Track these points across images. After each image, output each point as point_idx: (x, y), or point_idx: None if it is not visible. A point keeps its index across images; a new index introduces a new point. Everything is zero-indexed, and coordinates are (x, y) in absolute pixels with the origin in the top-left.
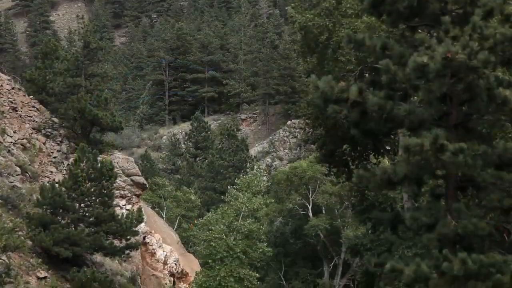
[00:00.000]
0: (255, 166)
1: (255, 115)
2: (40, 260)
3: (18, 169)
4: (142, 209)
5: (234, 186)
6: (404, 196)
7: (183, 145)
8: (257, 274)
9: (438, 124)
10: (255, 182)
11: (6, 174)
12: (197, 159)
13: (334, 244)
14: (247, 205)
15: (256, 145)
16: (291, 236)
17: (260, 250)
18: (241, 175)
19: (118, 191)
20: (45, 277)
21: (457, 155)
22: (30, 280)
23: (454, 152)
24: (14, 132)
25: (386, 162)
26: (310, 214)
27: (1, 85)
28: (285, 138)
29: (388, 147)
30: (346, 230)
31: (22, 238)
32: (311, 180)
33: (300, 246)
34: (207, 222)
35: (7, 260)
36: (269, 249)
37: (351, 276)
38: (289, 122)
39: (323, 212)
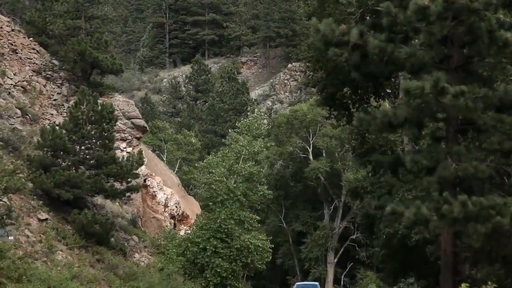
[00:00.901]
0: (256, 109)
1: (256, 58)
2: (41, 202)
3: (18, 111)
4: (143, 152)
5: (234, 129)
6: (404, 139)
7: (183, 88)
8: (257, 217)
9: (439, 67)
10: (256, 125)
11: (7, 116)
12: (198, 102)
13: (335, 187)
14: (248, 148)
15: (257, 88)
16: (292, 179)
17: (261, 192)
18: (241, 118)
19: (118, 134)
20: (46, 219)
21: (457, 98)
22: (31, 222)
23: (454, 95)
24: (14, 74)
25: (386, 105)
26: (311, 157)
27: (1, 27)
28: (286, 81)
29: (388, 90)
30: (347, 173)
31: (23, 180)
32: (312, 123)
33: (301, 189)
34: (207, 165)
35: (8, 202)
36: (269, 191)
37: (351, 219)
38: (289, 65)
39: (324, 155)
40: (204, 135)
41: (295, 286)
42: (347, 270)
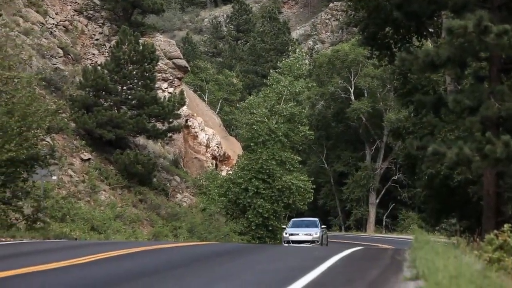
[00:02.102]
0: (297, 49)
1: None
2: (83, 142)
3: (60, 51)
4: (184, 92)
5: (276, 70)
6: (447, 79)
7: (224, 28)
8: (299, 157)
9: (482, 5)
10: (297, 65)
11: (49, 56)
12: (239, 42)
13: (376, 127)
14: (289, 88)
15: (298, 28)
16: (333, 119)
17: (302, 133)
18: (283, 58)
19: (160, 74)
20: (88, 159)
21: (501, 37)
22: (74, 162)
23: (497, 34)
24: (56, 14)
25: (429, 44)
26: (352, 97)
27: None
28: (327, 20)
29: (431, 29)
30: (388, 113)
31: (66, 120)
32: (353, 63)
33: (342, 130)
34: (249, 106)
35: (51, 142)
36: (310, 132)
37: (393, 159)
38: (331, 4)
39: (365, 95)
40: (245, 75)
41: (291, 222)
42: (388, 210)
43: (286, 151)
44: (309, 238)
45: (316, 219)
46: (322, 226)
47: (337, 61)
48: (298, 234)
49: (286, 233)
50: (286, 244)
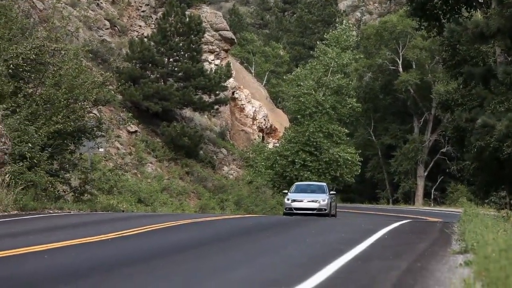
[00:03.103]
0: (344, 21)
1: None
2: (130, 114)
3: (107, 23)
4: (231, 64)
5: (323, 41)
6: (496, 50)
7: None
8: (346, 130)
9: None
10: (344, 36)
11: (96, 28)
12: (286, 13)
13: (425, 100)
14: (336, 60)
15: None
16: (381, 91)
17: (349, 105)
18: (330, 30)
19: (206, 46)
20: (135, 131)
21: None
22: (121, 134)
23: None
24: None
25: (478, 15)
26: (400, 69)
27: None
28: None
29: (480, 0)
30: (437, 85)
31: (112, 92)
32: (402, 34)
33: (390, 102)
34: (296, 78)
35: (98, 114)
36: (358, 104)
37: (441, 132)
38: None
39: (414, 67)
40: (292, 47)
41: (293, 186)
42: (437, 183)
43: (333, 123)
44: (315, 205)
45: (324, 183)
46: (331, 192)
47: (385, 32)
48: (302, 201)
49: (288, 200)
50: (288, 213)
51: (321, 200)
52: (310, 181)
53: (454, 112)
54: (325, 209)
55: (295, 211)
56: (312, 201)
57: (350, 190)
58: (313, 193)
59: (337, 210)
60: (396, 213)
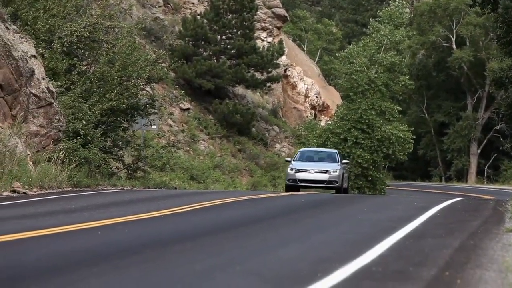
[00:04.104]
0: None
1: None
2: (183, 91)
3: (160, 0)
4: (283, 42)
5: (376, 18)
6: None
7: None
8: (398, 107)
9: None
10: (397, 13)
11: (149, 6)
12: None
13: (478, 77)
14: (389, 37)
15: None
16: (434, 68)
17: (402, 83)
18: (383, 7)
19: (259, 23)
20: (188, 109)
21: None
22: (173, 111)
23: None
24: None
25: None
26: (454, 46)
27: None
28: None
29: None
30: (491, 62)
31: (165, 69)
32: (455, 11)
33: (443, 79)
34: (348, 55)
35: (151, 91)
36: (411, 82)
37: (495, 109)
38: None
39: (467, 44)
40: (344, 24)
41: (298, 153)
42: (490, 161)
43: (385, 101)
44: (324, 177)
45: (335, 150)
46: (343, 161)
47: (438, 9)
48: (309, 171)
49: (291, 169)
50: (291, 186)
51: (331, 170)
52: (402, 167)
53: (508, 89)
54: (336, 182)
55: (300, 183)
56: (321, 171)
57: (403, 168)
58: (322, 161)
59: (349, 182)
60: (449, 191)
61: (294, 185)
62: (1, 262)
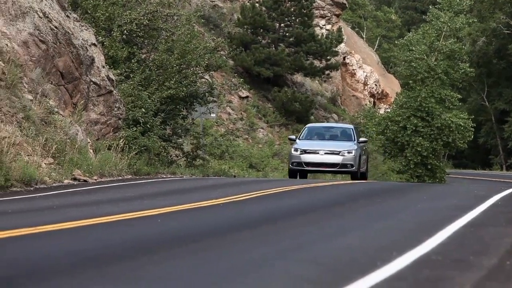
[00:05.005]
0: None
1: None
2: (241, 79)
3: None
4: (342, 29)
5: (435, 5)
6: None
7: None
8: (458, 95)
9: None
10: (458, 0)
11: None
12: None
13: None
14: (449, 24)
15: None
16: (495, 56)
17: (462, 70)
18: None
19: (317, 11)
20: (246, 97)
21: None
22: (232, 99)
23: None
24: None
25: None
26: None
27: None
28: None
29: None
30: None
31: (224, 57)
32: None
33: (504, 66)
34: (407, 42)
35: (210, 80)
36: (471, 69)
37: None
38: None
39: None
40: (404, 12)
41: (305, 129)
42: None
43: (445, 88)
44: (336, 159)
45: (351, 126)
46: (361, 139)
47: None
48: (317, 153)
49: (295, 150)
50: (295, 170)
51: (345, 151)
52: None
53: None
54: (352, 165)
55: (306, 167)
56: (333, 152)
57: (463, 156)
58: (334, 140)
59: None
60: (510, 179)
61: (299, 170)
62: (63, 249)
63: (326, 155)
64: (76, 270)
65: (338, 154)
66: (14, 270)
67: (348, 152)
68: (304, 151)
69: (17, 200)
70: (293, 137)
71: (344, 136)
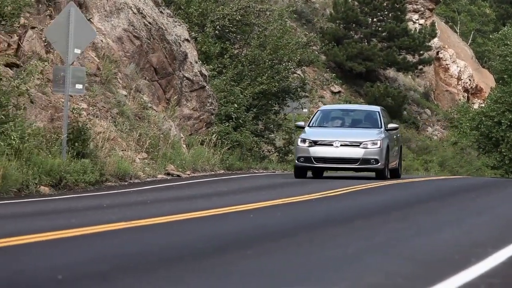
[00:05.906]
0: None
1: None
2: (334, 74)
3: None
4: (435, 24)
5: None
6: None
7: None
8: None
9: None
10: None
11: None
12: None
13: None
14: None
15: None
16: None
17: None
18: None
19: (410, 5)
20: (339, 92)
21: None
22: (324, 95)
23: None
24: None
25: None
26: None
27: None
28: None
29: None
30: None
31: (316, 52)
32: None
33: None
34: (502, 37)
35: (302, 75)
36: None
37: None
38: None
39: None
40: (499, 5)
41: (317, 113)
42: None
43: None
44: (356, 153)
45: (377, 108)
46: (390, 126)
47: None
48: (331, 145)
49: (303, 141)
50: (302, 167)
51: (368, 142)
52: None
53: None
54: (376, 161)
55: (316, 164)
56: (351, 144)
57: None
58: (354, 127)
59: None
60: None
61: (307, 167)
62: (160, 242)
63: (342, 148)
64: (172, 264)
65: (358, 146)
66: (109, 264)
67: (373, 144)
68: (314, 143)
69: (111, 195)
70: (301, 123)
71: (368, 121)
